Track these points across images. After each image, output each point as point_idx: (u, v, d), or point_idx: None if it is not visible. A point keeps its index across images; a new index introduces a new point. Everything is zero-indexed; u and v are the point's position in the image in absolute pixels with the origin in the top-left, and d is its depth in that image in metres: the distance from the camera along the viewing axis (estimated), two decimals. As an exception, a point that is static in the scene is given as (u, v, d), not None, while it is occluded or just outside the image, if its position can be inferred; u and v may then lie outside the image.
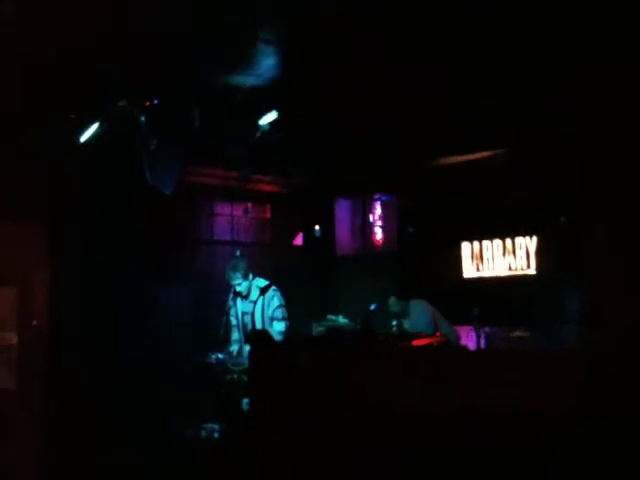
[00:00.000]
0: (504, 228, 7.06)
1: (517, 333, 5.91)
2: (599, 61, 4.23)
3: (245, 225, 7.69)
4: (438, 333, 5.14)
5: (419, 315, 6.02)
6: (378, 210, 8.18)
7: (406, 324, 6.04)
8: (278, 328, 5.74)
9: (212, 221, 7.48)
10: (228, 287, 5.88)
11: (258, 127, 5.86)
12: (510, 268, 7.07)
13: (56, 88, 4.94)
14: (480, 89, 4.87)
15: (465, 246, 7.48)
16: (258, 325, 5.79)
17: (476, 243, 7.39)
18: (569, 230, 6.00)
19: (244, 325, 5.89)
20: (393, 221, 8.02)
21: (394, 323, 5.98)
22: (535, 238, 6.84)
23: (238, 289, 5.81)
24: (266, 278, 6.04)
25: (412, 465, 3.56)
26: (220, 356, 5.62)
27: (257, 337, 5.10)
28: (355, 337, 5.36)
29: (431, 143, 6.39)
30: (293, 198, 7.80)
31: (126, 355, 6.04)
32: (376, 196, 8.12)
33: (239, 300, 5.91)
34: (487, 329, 6.16)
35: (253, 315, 5.84)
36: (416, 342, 4.65)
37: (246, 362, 5.21)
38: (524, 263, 6.93)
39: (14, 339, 5.85)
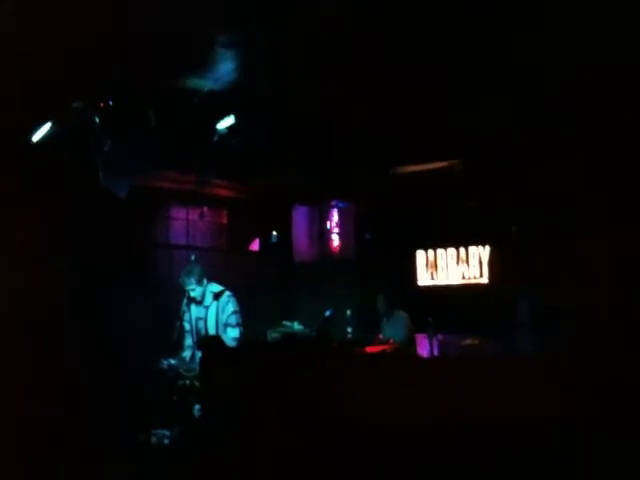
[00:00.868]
0: (458, 237, 7.18)
1: (468, 341, 6.00)
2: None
3: (201, 230, 7.64)
4: (391, 340, 5.18)
5: (400, 325, 6.06)
6: (335, 217, 8.23)
7: (387, 330, 6.07)
8: (232, 334, 5.70)
9: (167, 225, 7.40)
10: (183, 292, 5.82)
11: (216, 131, 5.82)
12: (463, 277, 7.19)
13: (6, 87, 4.82)
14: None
15: (420, 254, 7.58)
16: (212, 331, 5.74)
17: (431, 251, 7.50)
18: (520, 240, 6.13)
19: (198, 331, 5.84)
20: (350, 228, 8.09)
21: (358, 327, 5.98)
22: (488, 247, 6.97)
23: (192, 294, 5.76)
24: (222, 283, 5.99)
25: (365, 471, 3.58)
26: (172, 362, 5.56)
27: (208, 343, 5.06)
28: (310, 343, 5.37)
29: (389, 151, 6.44)
30: (250, 203, 7.78)
31: (76, 360, 5.90)
32: (333, 203, 8.16)
33: (193, 305, 5.85)
34: (440, 336, 6.24)
35: (206, 320, 5.79)
36: (370, 349, 4.67)
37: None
38: (477, 272, 7.06)
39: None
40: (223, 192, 7.69)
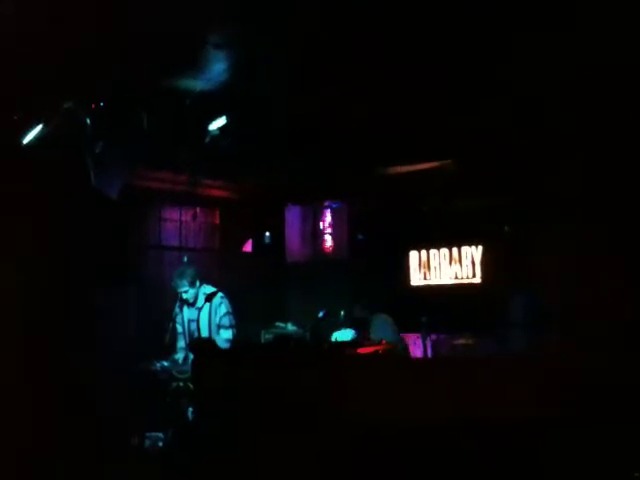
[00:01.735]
0: (451, 237, 7.19)
1: (461, 340, 6.00)
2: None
3: (194, 230, 7.61)
4: (384, 341, 5.16)
5: (384, 326, 6.02)
6: (328, 217, 8.22)
7: (373, 334, 6.04)
8: (225, 336, 5.68)
9: (160, 226, 7.36)
10: (176, 293, 5.80)
11: (207, 132, 5.80)
12: (456, 277, 7.19)
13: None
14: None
15: (413, 254, 7.58)
16: (204, 332, 5.72)
17: (424, 251, 7.50)
18: (513, 239, 6.14)
19: (190, 333, 5.82)
20: (343, 228, 8.07)
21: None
22: (480, 247, 6.98)
23: (185, 296, 5.73)
24: (215, 285, 5.97)
25: (359, 471, 3.57)
26: (165, 364, 5.54)
27: (200, 345, 5.04)
28: (303, 344, 5.36)
29: (382, 151, 6.44)
30: (243, 204, 7.76)
31: (70, 361, 5.87)
32: (326, 203, 8.15)
33: (185, 307, 5.83)
34: (433, 336, 6.24)
35: (199, 322, 5.77)
36: (362, 350, 4.66)
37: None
38: (470, 272, 7.06)
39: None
40: (215, 192, 7.66)
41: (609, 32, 4.07)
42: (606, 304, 4.74)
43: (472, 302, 6.56)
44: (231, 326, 5.77)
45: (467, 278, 7.10)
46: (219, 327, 5.73)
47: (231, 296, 5.95)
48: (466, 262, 7.11)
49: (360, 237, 7.82)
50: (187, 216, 7.46)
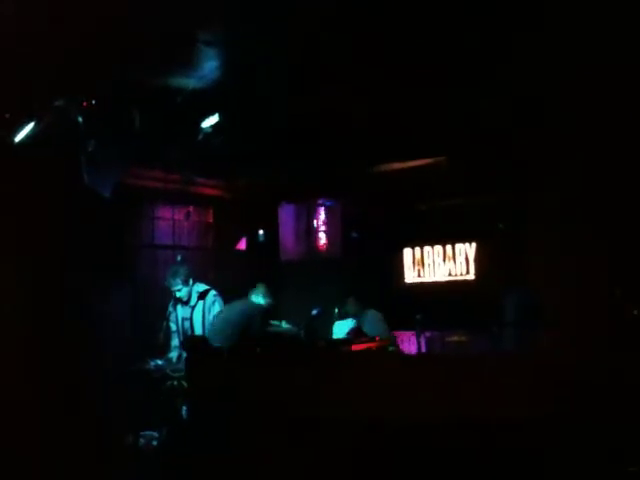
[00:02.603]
0: (445, 234, 7.20)
1: (454, 337, 6.01)
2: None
3: (187, 229, 7.59)
4: (377, 338, 5.16)
5: (376, 321, 6.03)
6: (322, 215, 8.21)
7: (365, 330, 6.04)
8: (220, 334, 5.67)
9: (153, 225, 7.34)
10: (169, 292, 5.79)
11: (200, 129, 5.78)
12: (450, 274, 7.21)
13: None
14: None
15: (407, 252, 7.58)
16: (198, 331, 5.71)
17: (417, 249, 7.51)
18: (506, 236, 6.15)
19: (184, 331, 5.81)
20: (337, 226, 8.07)
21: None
22: (474, 244, 6.99)
23: (178, 295, 5.73)
24: (208, 283, 5.97)
25: (354, 469, 3.57)
26: (159, 362, 5.53)
27: (193, 343, 5.03)
28: (297, 342, 5.36)
29: (379, 150, 6.44)
30: (236, 202, 7.74)
31: (63, 361, 5.85)
32: (320, 201, 8.14)
33: (179, 306, 5.82)
34: (427, 334, 6.25)
35: (192, 320, 5.77)
36: (355, 346, 4.67)
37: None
38: (464, 269, 7.08)
39: None
40: (209, 191, 7.65)
41: (609, 32, 4.08)
42: (600, 302, 4.76)
43: (466, 299, 6.58)
44: (225, 324, 5.75)
45: (461, 275, 7.12)
46: (213, 325, 5.72)
47: (225, 294, 5.94)
48: (460, 259, 7.13)
49: (354, 235, 7.82)
50: (180, 215, 7.43)
